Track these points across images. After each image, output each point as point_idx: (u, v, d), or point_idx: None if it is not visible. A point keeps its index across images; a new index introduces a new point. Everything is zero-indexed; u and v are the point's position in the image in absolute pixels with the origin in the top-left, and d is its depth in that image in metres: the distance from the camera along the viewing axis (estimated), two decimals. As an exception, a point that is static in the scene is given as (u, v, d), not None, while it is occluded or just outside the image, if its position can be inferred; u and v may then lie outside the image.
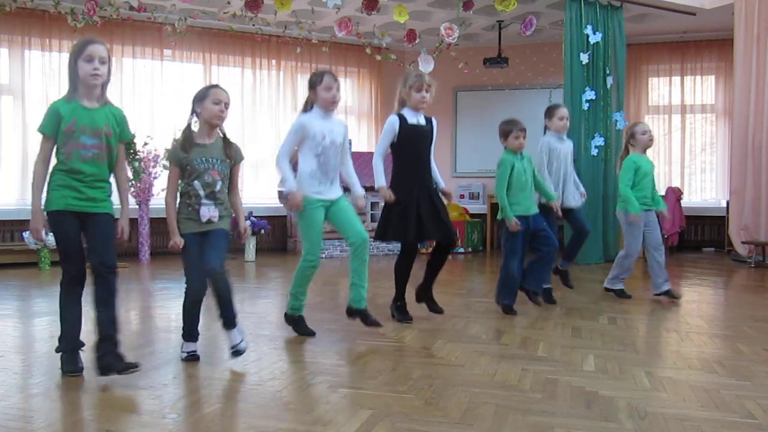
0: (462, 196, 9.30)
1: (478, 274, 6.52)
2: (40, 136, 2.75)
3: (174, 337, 3.39)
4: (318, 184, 3.46)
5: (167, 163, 6.81)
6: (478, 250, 8.59)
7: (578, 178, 4.76)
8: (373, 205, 7.84)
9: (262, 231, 7.27)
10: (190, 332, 3.08)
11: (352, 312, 3.58)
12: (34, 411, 2.34)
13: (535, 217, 4.16)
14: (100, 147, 2.74)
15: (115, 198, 2.84)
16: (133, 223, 6.76)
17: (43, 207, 2.76)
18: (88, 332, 2.88)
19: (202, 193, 2.98)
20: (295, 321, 3.60)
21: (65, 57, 7.19)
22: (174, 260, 7.10)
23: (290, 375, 2.80)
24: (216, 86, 3.07)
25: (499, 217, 4.17)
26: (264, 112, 8.54)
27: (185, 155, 2.97)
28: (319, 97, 3.46)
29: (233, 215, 3.14)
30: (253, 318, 4.05)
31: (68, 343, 2.82)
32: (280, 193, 8.02)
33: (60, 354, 2.83)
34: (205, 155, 2.99)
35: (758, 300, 4.81)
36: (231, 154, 3.06)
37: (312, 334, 3.53)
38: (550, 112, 4.65)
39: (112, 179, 2.87)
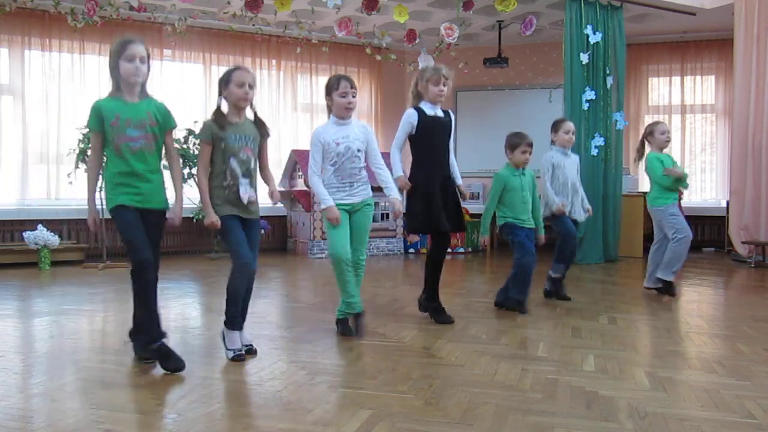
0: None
1: (478, 274, 6.52)
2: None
3: (174, 337, 3.39)
4: (336, 191, 3.49)
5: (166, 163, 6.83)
6: (478, 250, 8.58)
7: (584, 194, 4.74)
8: (376, 205, 7.83)
9: (262, 231, 7.26)
10: (234, 318, 3.07)
11: (350, 318, 3.59)
12: (34, 411, 2.34)
13: (529, 231, 4.17)
14: (147, 137, 2.86)
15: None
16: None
17: (107, 207, 2.88)
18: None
19: (239, 171, 3.01)
20: (358, 316, 3.55)
21: (65, 57, 7.37)
22: (174, 260, 7.11)
23: (290, 375, 2.80)
24: (238, 68, 3.07)
25: (498, 223, 4.21)
26: (264, 112, 8.48)
27: (220, 132, 3.00)
28: (334, 102, 3.47)
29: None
30: (253, 318, 4.03)
31: (151, 334, 2.89)
32: (280, 193, 7.96)
33: (139, 343, 2.96)
34: (238, 132, 3.04)
35: (758, 300, 4.81)
36: (264, 131, 3.14)
37: (357, 333, 3.52)
38: (556, 126, 4.65)
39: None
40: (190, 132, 7.22)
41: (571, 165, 4.63)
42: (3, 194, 7.19)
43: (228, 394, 2.54)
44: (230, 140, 3.01)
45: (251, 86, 3.05)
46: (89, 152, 2.97)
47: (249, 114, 3.18)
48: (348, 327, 3.54)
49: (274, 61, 8.59)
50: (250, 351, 3.11)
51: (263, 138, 3.17)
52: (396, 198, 3.64)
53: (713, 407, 2.37)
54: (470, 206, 9.01)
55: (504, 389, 2.58)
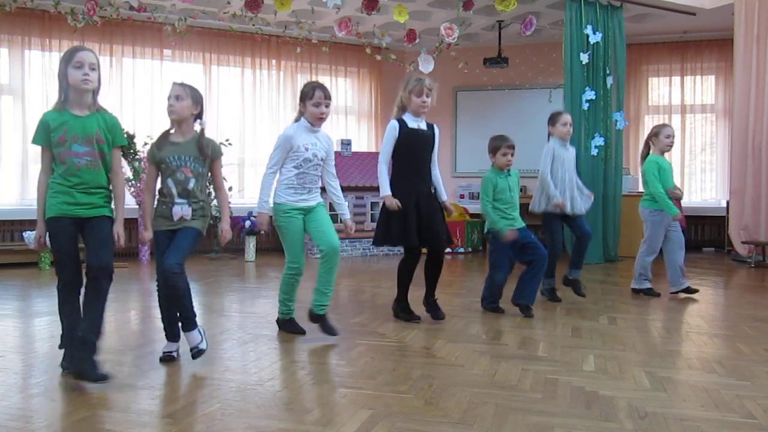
0: (462, 196, 9.31)
1: (478, 274, 6.52)
2: (37, 148, 2.78)
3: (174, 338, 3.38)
4: (294, 193, 3.45)
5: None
6: (478, 250, 8.58)
7: (581, 182, 4.74)
8: (373, 205, 7.85)
9: (262, 231, 7.25)
10: (166, 331, 3.08)
11: (313, 317, 3.53)
12: (34, 411, 2.34)
13: (522, 230, 4.15)
14: (93, 154, 2.73)
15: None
16: (133, 223, 6.76)
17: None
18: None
19: (174, 191, 2.98)
20: (286, 322, 3.62)
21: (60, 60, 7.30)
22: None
23: (290, 375, 2.80)
24: (173, 83, 3.07)
25: (486, 228, 4.20)
26: (264, 111, 8.53)
27: (158, 152, 3.00)
28: (308, 110, 3.45)
29: (214, 215, 3.12)
30: (253, 318, 4.05)
31: (68, 341, 2.81)
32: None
33: (62, 350, 2.85)
34: (177, 153, 2.99)
35: (758, 300, 4.81)
36: (205, 151, 3.03)
37: (302, 332, 3.53)
38: (553, 118, 4.65)
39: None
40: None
41: (569, 158, 4.63)
42: (3, 194, 7.19)
43: (228, 394, 2.54)
44: (168, 161, 2.99)
45: (178, 98, 2.99)
46: (39, 168, 2.78)
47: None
48: (297, 325, 3.59)
49: (274, 61, 8.58)
50: (199, 353, 2.98)
51: (211, 158, 3.06)
52: (347, 219, 3.62)
53: (713, 407, 2.37)
54: (470, 206, 9.02)
55: (504, 389, 2.58)
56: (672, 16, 7.57)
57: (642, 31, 8.45)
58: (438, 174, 3.98)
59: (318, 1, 6.73)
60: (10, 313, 4.21)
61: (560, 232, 4.62)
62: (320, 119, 3.46)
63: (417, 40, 7.64)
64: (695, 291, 4.85)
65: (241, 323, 3.88)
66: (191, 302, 2.97)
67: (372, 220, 7.85)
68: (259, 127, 8.47)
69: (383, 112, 9.26)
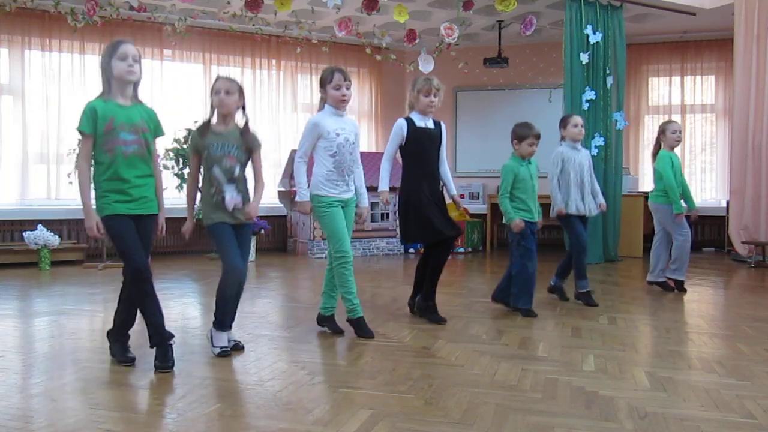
0: (462, 196, 9.29)
1: (478, 274, 6.52)
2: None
3: (175, 337, 3.38)
4: (335, 186, 3.49)
5: (167, 163, 6.81)
6: (478, 250, 8.58)
7: (597, 187, 4.74)
8: (373, 205, 7.85)
9: (262, 231, 7.26)
10: (223, 321, 3.18)
11: (322, 320, 3.65)
12: (34, 411, 2.34)
13: (534, 225, 4.15)
14: (140, 142, 2.84)
15: None
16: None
17: (98, 214, 2.82)
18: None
19: (222, 178, 3.07)
20: (357, 323, 3.56)
21: (65, 57, 7.36)
22: (174, 260, 7.11)
23: (290, 375, 2.80)
24: (218, 78, 3.14)
25: (504, 221, 4.18)
26: (264, 112, 8.54)
27: (201, 141, 3.09)
28: (329, 95, 3.49)
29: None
30: (253, 318, 4.05)
31: (158, 336, 2.88)
32: (280, 193, 8.03)
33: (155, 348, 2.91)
34: (220, 141, 3.09)
35: (758, 300, 4.81)
36: (248, 142, 3.15)
37: (341, 332, 3.57)
38: (564, 120, 4.66)
39: None
40: (190, 132, 7.22)
41: (581, 160, 4.61)
42: (3, 194, 7.19)
43: (228, 394, 2.54)
44: (212, 149, 3.07)
45: (228, 92, 3.07)
46: (78, 157, 2.91)
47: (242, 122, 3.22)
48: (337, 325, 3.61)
49: (274, 61, 8.59)
50: (237, 347, 3.21)
51: (251, 149, 3.17)
52: (365, 207, 3.69)
53: (713, 407, 2.37)
54: (470, 206, 9.02)
55: (504, 389, 2.58)
56: (672, 16, 7.57)
57: (642, 31, 8.45)
58: (447, 170, 4.04)
59: (318, 1, 6.73)
60: (10, 313, 4.21)
61: (580, 226, 4.57)
62: (343, 101, 3.48)
63: (417, 40, 7.64)
64: (672, 290, 5.00)
65: (241, 323, 3.88)
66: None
67: (372, 220, 7.85)
68: (259, 127, 8.44)
69: (383, 112, 9.27)
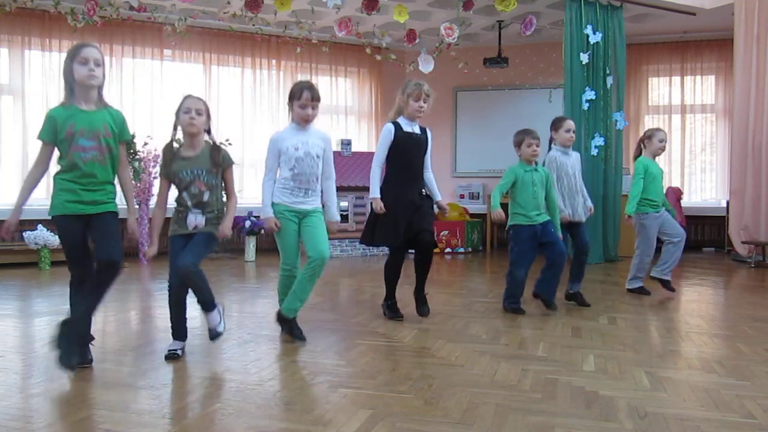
0: (462, 196, 9.30)
1: (478, 274, 6.52)
2: (37, 147, 2.82)
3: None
4: (290, 195, 3.43)
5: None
6: (478, 250, 8.58)
7: (586, 191, 4.72)
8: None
9: (262, 231, 7.26)
10: (173, 330, 3.15)
11: (282, 319, 3.51)
12: (34, 411, 2.34)
13: (544, 225, 4.14)
14: (100, 149, 2.79)
15: (120, 199, 2.92)
16: (122, 222, 6.75)
17: (48, 213, 2.84)
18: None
19: (189, 203, 3.06)
20: (287, 321, 3.51)
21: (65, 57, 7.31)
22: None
23: (290, 375, 2.80)
24: (187, 96, 3.10)
25: (508, 224, 4.20)
26: (264, 112, 8.54)
27: (168, 168, 3.07)
28: (294, 111, 3.47)
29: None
30: (253, 318, 4.05)
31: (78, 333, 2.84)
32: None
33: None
34: (190, 167, 3.06)
35: (758, 300, 4.81)
36: (218, 161, 3.09)
37: (303, 339, 3.43)
38: (556, 124, 4.59)
39: (116, 181, 2.94)
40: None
41: (572, 164, 4.61)
42: (3, 194, 7.19)
43: (228, 394, 2.54)
44: (181, 175, 3.06)
45: (199, 112, 3.04)
46: (32, 162, 2.89)
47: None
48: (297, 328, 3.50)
49: (274, 61, 8.59)
50: (216, 335, 3.14)
51: (222, 168, 3.12)
52: (333, 221, 3.59)
53: (713, 407, 2.37)
54: (470, 206, 9.02)
55: (504, 389, 2.58)
56: (672, 16, 7.57)
57: (642, 31, 8.45)
58: (431, 176, 4.02)
59: (318, 1, 6.73)
60: (10, 313, 4.21)
61: (584, 230, 4.58)
62: (306, 121, 3.45)
63: (417, 40, 7.64)
64: (648, 293, 4.92)
65: (241, 323, 3.88)
66: (208, 288, 3.06)
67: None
68: (259, 127, 8.47)
69: (383, 112, 9.26)
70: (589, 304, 4.52)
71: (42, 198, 7.26)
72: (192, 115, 3.02)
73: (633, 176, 4.89)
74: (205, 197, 3.06)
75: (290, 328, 3.47)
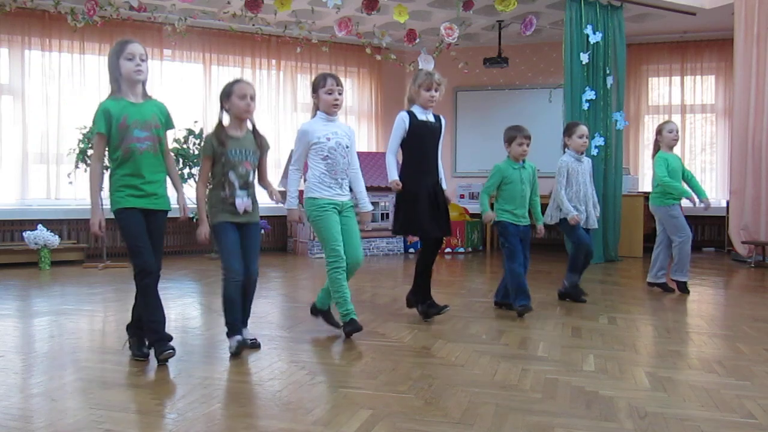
0: (462, 196, 9.31)
1: (478, 274, 6.52)
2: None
3: (174, 337, 3.38)
4: (329, 189, 3.46)
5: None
6: (478, 250, 8.59)
7: (596, 198, 4.73)
8: (374, 204, 7.85)
9: (262, 231, 7.27)
10: (233, 324, 3.13)
11: (316, 311, 3.70)
12: (34, 411, 2.34)
13: (526, 232, 4.17)
14: (152, 139, 2.91)
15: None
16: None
17: (111, 208, 2.90)
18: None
19: (237, 183, 3.10)
20: (348, 323, 3.48)
21: (65, 57, 7.35)
22: (174, 260, 7.11)
23: (290, 375, 2.80)
24: (239, 81, 3.15)
25: (497, 218, 4.19)
26: (264, 112, 8.54)
27: (221, 148, 3.08)
28: (321, 100, 3.47)
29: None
30: (252, 318, 4.01)
31: (156, 335, 2.94)
32: (280, 193, 7.98)
33: (130, 339, 3.07)
34: (239, 147, 3.11)
35: (758, 300, 4.81)
36: (261, 145, 3.21)
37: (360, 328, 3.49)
38: (569, 129, 4.60)
39: None
40: (190, 132, 7.24)
41: (584, 171, 4.60)
42: (3, 194, 7.19)
43: (228, 394, 2.54)
44: (230, 155, 3.09)
45: (253, 98, 3.12)
46: (90, 154, 2.99)
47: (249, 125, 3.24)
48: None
49: (274, 61, 8.59)
50: (254, 345, 3.22)
51: (263, 151, 3.24)
52: (366, 211, 3.67)
53: (713, 407, 2.37)
54: (470, 206, 9.02)
55: (504, 389, 2.58)
56: (672, 16, 7.57)
57: (642, 31, 8.46)
58: (441, 164, 4.03)
59: (318, 1, 6.73)
60: (10, 313, 4.21)
61: (580, 229, 4.55)
62: (335, 106, 3.47)
63: (417, 40, 7.64)
64: (672, 291, 4.98)
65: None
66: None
67: (372, 220, 7.83)
68: (258, 126, 8.44)
69: (383, 112, 9.27)
70: (584, 300, 4.57)
71: (42, 198, 7.32)
72: (248, 101, 3.10)
73: (655, 169, 4.91)
74: (251, 177, 3.15)
75: (328, 319, 3.67)
